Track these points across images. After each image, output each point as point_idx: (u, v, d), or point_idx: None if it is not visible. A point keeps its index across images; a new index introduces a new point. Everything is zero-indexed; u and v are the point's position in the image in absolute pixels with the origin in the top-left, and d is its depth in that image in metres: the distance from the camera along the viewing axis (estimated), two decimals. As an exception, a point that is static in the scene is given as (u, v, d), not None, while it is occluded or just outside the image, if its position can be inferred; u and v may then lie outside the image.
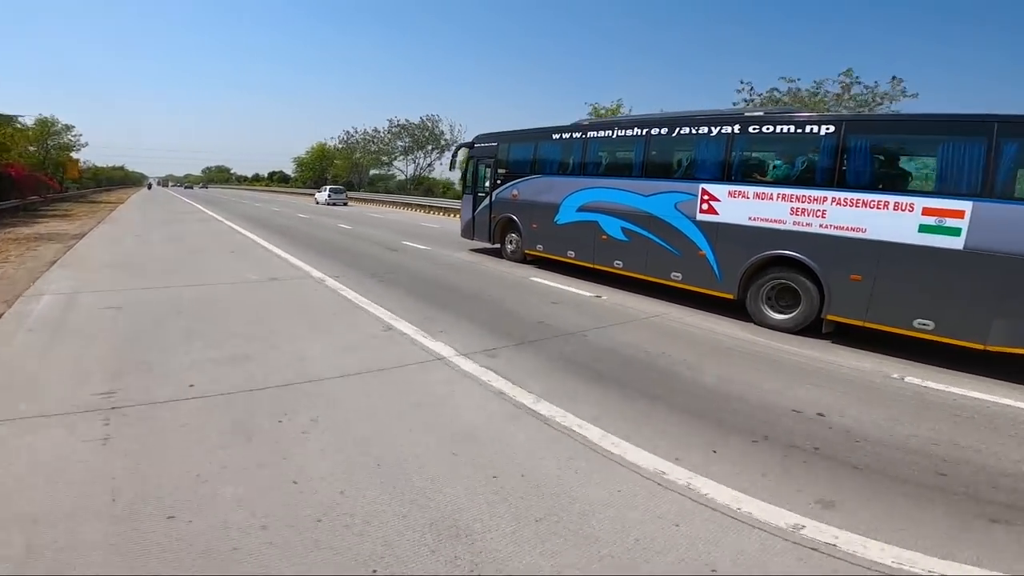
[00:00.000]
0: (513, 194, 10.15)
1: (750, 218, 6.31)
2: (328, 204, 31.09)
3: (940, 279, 4.97)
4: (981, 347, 4.83)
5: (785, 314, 6.15)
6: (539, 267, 9.69)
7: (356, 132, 51.39)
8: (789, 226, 5.96)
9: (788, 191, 5.97)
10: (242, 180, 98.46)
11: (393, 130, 46.83)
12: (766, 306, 6.31)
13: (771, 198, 6.10)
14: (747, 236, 6.32)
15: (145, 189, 71.41)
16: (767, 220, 6.15)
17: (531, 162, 9.79)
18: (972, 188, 4.74)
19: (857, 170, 5.54)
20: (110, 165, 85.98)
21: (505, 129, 10.82)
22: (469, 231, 11.71)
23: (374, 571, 2.08)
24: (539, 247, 9.66)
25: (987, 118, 4.66)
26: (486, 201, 10.98)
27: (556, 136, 9.35)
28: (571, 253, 8.92)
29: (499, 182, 10.58)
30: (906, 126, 5.42)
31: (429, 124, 45.07)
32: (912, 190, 5.26)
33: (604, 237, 8.18)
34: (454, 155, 13.02)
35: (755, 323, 6.33)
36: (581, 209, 8.58)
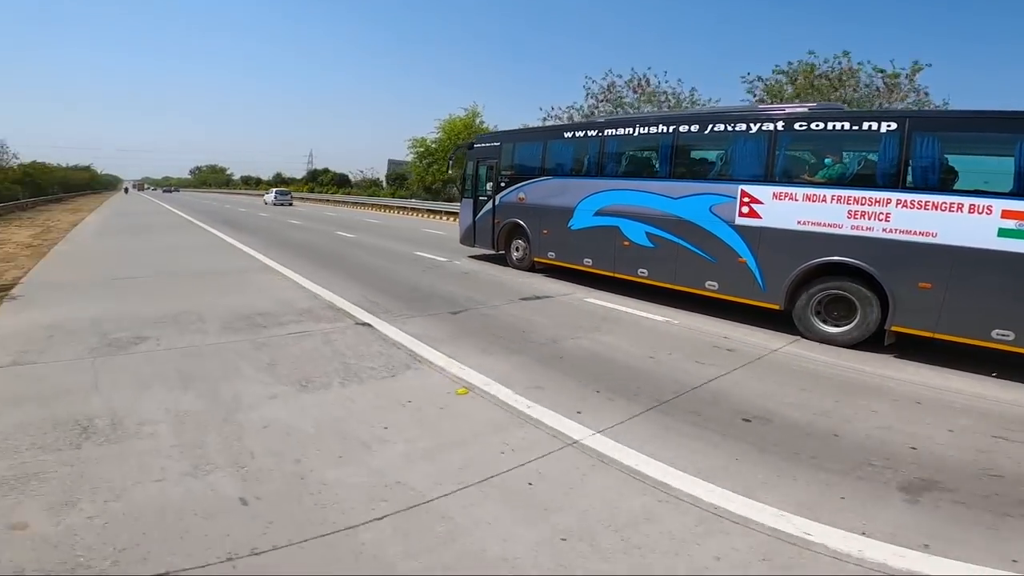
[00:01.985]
0: (520, 197, 9.45)
1: (799, 222, 5.76)
2: (276, 204, 35.22)
3: (1023, 286, 4.50)
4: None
5: (839, 326, 5.62)
6: (547, 275, 9.03)
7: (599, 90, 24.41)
8: (847, 231, 5.42)
9: (844, 192, 5.42)
10: (256, 183, 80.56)
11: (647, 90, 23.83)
12: (816, 318, 5.78)
13: (824, 200, 5.56)
14: (796, 241, 5.78)
15: (122, 193, 67.79)
16: (820, 224, 5.60)
17: (540, 163, 9.10)
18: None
19: (925, 170, 5.04)
20: (68, 165, 69.87)
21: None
22: (469, 238, 10.97)
23: None
24: (551, 254, 8.97)
25: None
26: (488, 205, 10.25)
27: (568, 135, 8.70)
28: (588, 261, 8.27)
29: (503, 185, 9.87)
30: (978, 123, 4.93)
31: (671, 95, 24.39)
32: (989, 191, 4.77)
33: (626, 243, 7.55)
34: (451, 156, 12.27)
35: (804, 337, 5.79)
36: (599, 213, 7.94)
